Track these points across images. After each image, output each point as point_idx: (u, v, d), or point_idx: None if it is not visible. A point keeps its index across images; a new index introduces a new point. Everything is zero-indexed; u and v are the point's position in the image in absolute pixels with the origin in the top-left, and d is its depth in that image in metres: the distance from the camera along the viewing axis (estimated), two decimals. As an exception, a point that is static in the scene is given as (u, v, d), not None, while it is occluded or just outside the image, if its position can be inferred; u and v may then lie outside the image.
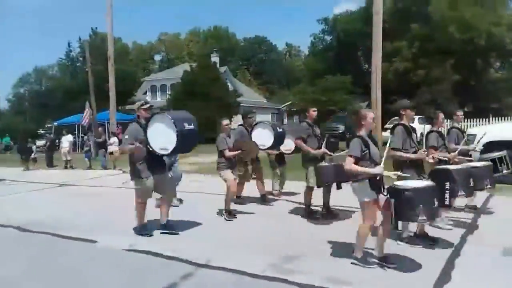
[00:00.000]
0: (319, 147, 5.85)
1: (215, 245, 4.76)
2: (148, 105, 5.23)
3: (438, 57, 30.48)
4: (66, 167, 15.13)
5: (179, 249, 4.55)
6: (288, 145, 7.26)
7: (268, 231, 5.42)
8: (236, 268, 3.93)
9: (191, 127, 4.98)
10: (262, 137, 6.63)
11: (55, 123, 27.98)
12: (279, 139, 6.88)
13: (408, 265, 3.92)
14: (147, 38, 70.45)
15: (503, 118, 24.48)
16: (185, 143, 4.98)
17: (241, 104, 32.54)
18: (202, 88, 27.57)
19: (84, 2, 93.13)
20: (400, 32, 31.40)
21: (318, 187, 5.60)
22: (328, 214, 5.90)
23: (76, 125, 24.89)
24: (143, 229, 5.22)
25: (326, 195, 5.92)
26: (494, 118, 24.29)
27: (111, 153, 14.12)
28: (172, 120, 4.82)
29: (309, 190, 5.90)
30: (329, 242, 4.76)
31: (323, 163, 5.59)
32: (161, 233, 5.21)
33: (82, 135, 24.34)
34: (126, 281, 3.85)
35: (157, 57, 69.08)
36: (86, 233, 5.36)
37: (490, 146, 8.32)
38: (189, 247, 4.66)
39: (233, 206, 6.37)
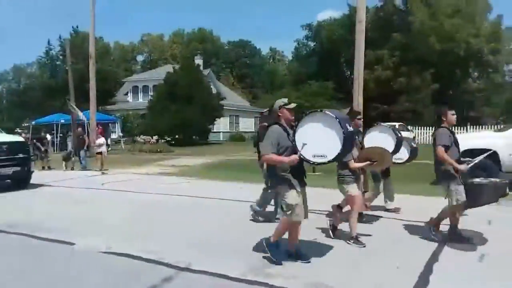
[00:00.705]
0: (458, 159, 4.82)
1: (195, 248, 4.70)
2: (293, 105, 4.20)
3: (418, 66, 31.19)
4: (43, 168, 14.78)
5: (158, 252, 4.48)
6: (401, 153, 6.11)
7: (249, 234, 5.39)
8: (217, 271, 3.88)
9: (351, 129, 4.01)
10: (379, 143, 5.30)
11: (33, 122, 27.37)
12: (398, 147, 5.77)
13: (387, 269, 3.96)
14: (130, 38, 69.72)
15: (480, 126, 25.18)
16: (346, 149, 4.00)
17: (224, 107, 32.51)
18: (185, 90, 27.44)
19: (66, 0, 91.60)
20: (381, 40, 32.00)
21: (471, 207, 4.76)
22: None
23: (55, 125, 24.41)
24: (279, 254, 4.20)
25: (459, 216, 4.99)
26: (472, 127, 24.97)
27: (100, 153, 13.82)
28: (338, 120, 3.81)
29: (454, 210, 4.86)
30: (312, 246, 4.77)
31: (477, 180, 4.74)
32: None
33: (61, 135, 23.86)
34: (105, 284, 3.76)
35: (140, 58, 68.56)
36: (63, 235, 5.22)
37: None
38: (168, 250, 4.59)
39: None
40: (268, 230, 5.57)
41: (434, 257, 4.31)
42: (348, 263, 4.21)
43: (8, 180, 9.64)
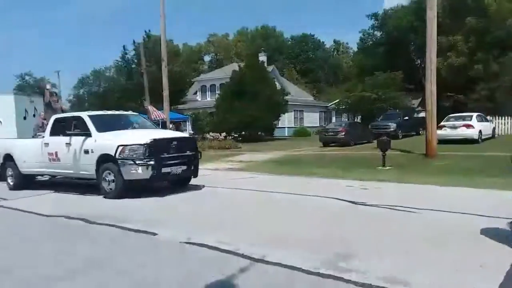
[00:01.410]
0: None
1: (268, 241, 4.86)
2: None
3: (496, 52, 28.90)
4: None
5: (233, 243, 4.69)
6: None
7: (321, 228, 5.45)
8: (291, 264, 3.99)
9: None
10: None
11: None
12: None
13: (468, 267, 3.83)
14: (197, 39, 72.15)
15: None
16: None
17: (289, 103, 32.57)
18: (250, 87, 27.89)
19: (138, 7, 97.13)
20: (454, 26, 30.07)
21: None
22: None
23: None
24: None
25: None
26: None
27: None
28: None
29: None
30: (383, 241, 4.73)
31: None
32: None
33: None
34: (183, 273, 4.00)
35: (207, 58, 70.62)
36: (146, 226, 5.65)
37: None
38: (243, 242, 4.78)
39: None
40: (335, 224, 5.61)
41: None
42: (418, 257, 4.13)
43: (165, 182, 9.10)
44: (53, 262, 4.44)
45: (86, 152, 8.42)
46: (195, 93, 42.54)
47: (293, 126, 37.84)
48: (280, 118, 31.73)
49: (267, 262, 4.11)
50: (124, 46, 41.89)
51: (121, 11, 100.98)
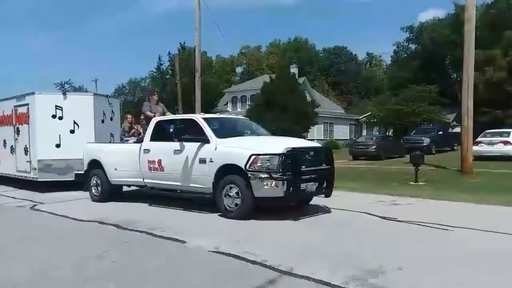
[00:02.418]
0: None
1: (297, 253, 4.86)
2: None
3: (540, 65, 27.84)
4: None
5: (262, 254, 4.70)
6: None
7: (350, 243, 5.39)
8: (319, 278, 3.96)
9: None
10: None
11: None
12: None
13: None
14: (230, 51, 73.20)
15: None
16: None
17: (319, 115, 32.42)
18: (281, 99, 27.97)
19: (174, 19, 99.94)
20: (493, 39, 29.25)
21: None
22: None
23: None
24: None
25: None
26: None
27: None
28: None
29: None
30: (414, 258, 4.62)
31: None
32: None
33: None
34: (209, 281, 4.04)
35: (239, 70, 71.36)
36: (177, 234, 5.75)
37: None
38: (272, 253, 4.79)
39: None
40: (366, 240, 5.53)
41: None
42: (450, 276, 4.01)
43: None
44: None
45: (203, 161, 7.18)
46: (226, 103, 43.06)
47: (322, 138, 37.58)
48: (309, 130, 31.62)
49: (296, 275, 4.09)
50: (159, 57, 42.94)
51: (158, 23, 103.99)
